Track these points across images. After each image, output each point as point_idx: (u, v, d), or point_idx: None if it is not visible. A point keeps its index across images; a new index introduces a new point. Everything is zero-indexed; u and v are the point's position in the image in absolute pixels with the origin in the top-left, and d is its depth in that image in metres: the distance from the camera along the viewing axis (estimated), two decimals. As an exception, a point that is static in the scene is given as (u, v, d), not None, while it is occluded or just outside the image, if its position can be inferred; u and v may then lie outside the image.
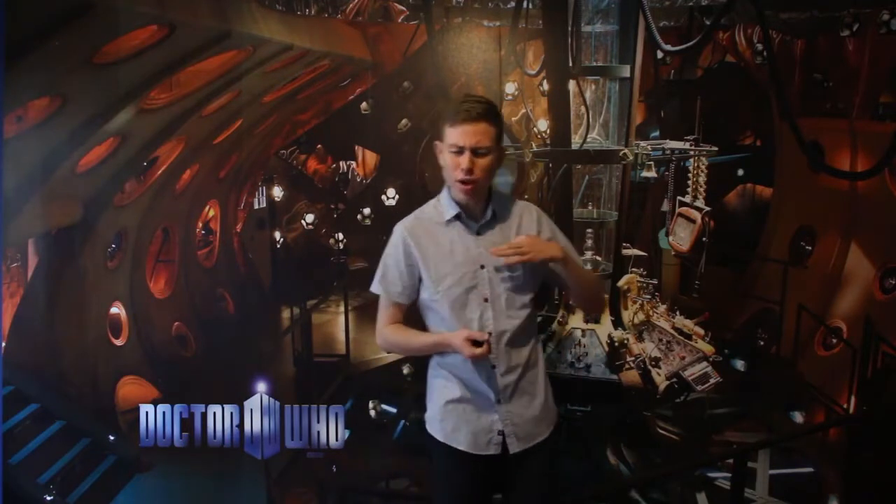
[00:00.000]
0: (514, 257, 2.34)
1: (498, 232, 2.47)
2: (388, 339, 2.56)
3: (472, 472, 2.53)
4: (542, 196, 6.53)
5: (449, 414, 2.53)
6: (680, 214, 5.64)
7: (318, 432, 3.89)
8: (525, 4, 6.11)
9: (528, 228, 2.50)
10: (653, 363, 5.04)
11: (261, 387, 3.89)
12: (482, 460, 2.51)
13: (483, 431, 2.49)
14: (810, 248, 9.58)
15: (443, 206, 2.49)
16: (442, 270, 2.45)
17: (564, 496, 4.56)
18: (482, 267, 2.44)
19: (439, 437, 2.55)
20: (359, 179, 13.93)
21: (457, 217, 2.46)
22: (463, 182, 2.37)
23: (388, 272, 2.53)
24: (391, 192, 12.71)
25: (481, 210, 2.47)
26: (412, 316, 2.63)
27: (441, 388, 2.55)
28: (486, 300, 2.43)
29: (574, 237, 5.44)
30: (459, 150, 2.35)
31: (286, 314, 11.33)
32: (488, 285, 2.44)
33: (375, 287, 2.57)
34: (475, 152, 2.34)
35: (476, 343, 2.31)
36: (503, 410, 2.48)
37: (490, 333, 2.38)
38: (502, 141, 2.44)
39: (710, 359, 5.11)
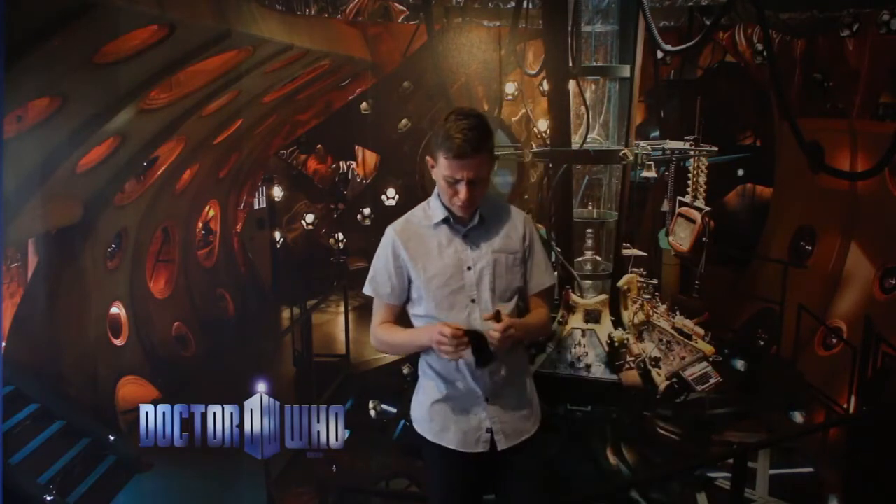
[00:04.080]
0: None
1: (485, 233, 2.50)
2: (379, 338, 2.59)
3: (462, 470, 2.55)
4: (542, 196, 6.52)
5: (436, 414, 2.55)
6: (680, 214, 5.63)
7: (318, 432, 3.89)
8: (525, 4, 6.11)
9: (515, 232, 2.53)
10: (653, 363, 5.03)
11: (261, 387, 3.89)
12: (472, 458, 2.52)
13: (472, 430, 2.51)
14: (810, 248, 9.58)
15: (432, 209, 2.52)
16: (430, 272, 2.47)
17: (565, 496, 4.56)
18: (468, 268, 2.47)
19: (429, 437, 2.58)
20: (359, 179, 13.91)
21: (444, 221, 2.49)
22: (461, 208, 2.42)
23: (378, 274, 2.56)
24: (391, 192, 12.70)
25: (470, 215, 2.49)
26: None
27: (427, 388, 2.58)
28: (472, 301, 2.46)
29: (574, 237, 5.44)
30: (456, 181, 2.37)
31: (286, 314, 11.34)
32: (475, 286, 2.46)
33: (367, 289, 2.60)
34: (472, 183, 2.37)
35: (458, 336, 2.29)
36: (491, 408, 2.50)
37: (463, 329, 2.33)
38: (494, 151, 2.46)
39: (710, 359, 5.11)
